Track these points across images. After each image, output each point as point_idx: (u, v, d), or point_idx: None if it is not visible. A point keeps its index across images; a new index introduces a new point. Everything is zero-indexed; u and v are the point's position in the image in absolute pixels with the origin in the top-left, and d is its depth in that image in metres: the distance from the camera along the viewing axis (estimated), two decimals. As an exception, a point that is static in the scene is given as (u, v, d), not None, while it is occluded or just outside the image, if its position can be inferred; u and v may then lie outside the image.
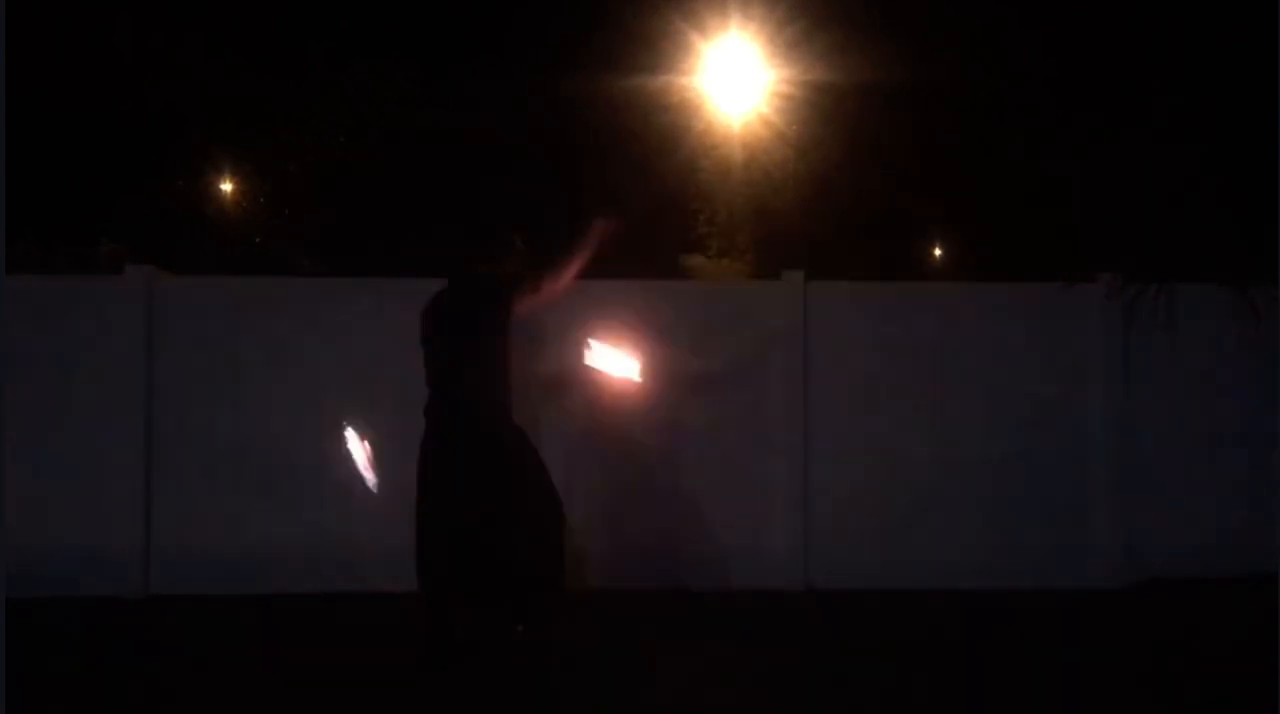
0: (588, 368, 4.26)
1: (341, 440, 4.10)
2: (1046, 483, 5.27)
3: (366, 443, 4.10)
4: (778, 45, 8.59)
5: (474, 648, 3.96)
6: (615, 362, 4.17)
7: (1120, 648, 4.27)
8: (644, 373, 4.36)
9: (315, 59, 10.13)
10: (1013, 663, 4.02)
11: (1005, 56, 6.47)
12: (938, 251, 12.78)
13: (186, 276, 5.41)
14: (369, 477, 4.09)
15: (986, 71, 6.63)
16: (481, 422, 3.75)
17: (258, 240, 11.70)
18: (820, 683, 3.77)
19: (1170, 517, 5.26)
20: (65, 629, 4.39)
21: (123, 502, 4.99)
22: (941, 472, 5.25)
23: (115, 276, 5.24)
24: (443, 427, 3.77)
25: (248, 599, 4.88)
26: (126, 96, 9.41)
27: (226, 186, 12.03)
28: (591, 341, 4.18)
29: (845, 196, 8.92)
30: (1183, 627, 4.54)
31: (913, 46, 7.45)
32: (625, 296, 5.24)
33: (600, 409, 5.09)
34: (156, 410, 5.04)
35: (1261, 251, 5.13)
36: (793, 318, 5.25)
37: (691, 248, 12.10)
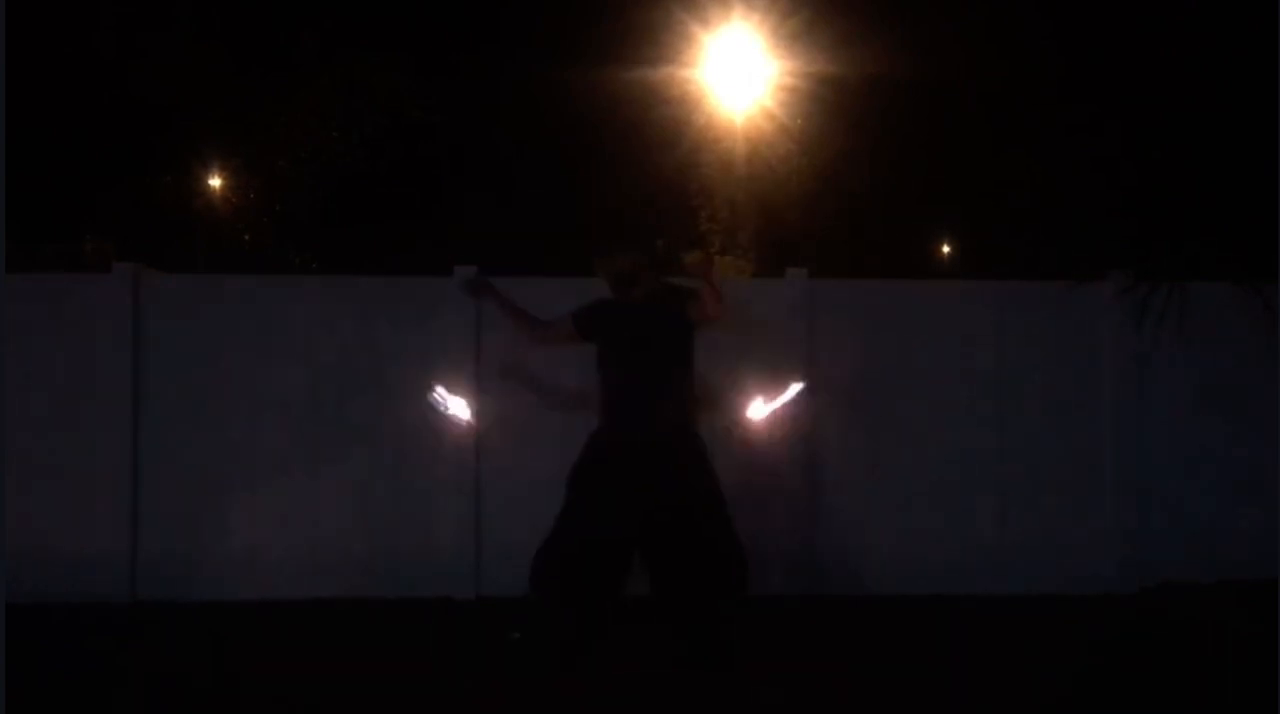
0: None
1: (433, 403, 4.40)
2: (1055, 484, 5.17)
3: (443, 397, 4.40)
4: (781, 37, 8.46)
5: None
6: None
7: (1127, 653, 4.21)
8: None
9: (305, 51, 10.01)
10: (1019, 668, 3.96)
11: (1011, 49, 6.37)
12: (945, 248, 12.69)
13: (174, 275, 5.31)
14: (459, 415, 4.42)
15: (992, 64, 6.53)
16: (671, 435, 3.86)
17: (247, 237, 11.62)
18: (832, 694, 3.66)
19: (1182, 518, 5.16)
20: (50, 635, 4.29)
21: (109, 504, 4.88)
22: (949, 473, 5.14)
23: (101, 275, 5.13)
24: (629, 437, 3.85)
25: (238, 605, 4.79)
26: (110, 88, 9.30)
27: (215, 182, 11.93)
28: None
29: (850, 192, 8.81)
30: (1191, 631, 4.45)
31: (918, 38, 7.34)
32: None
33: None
34: (144, 412, 4.93)
35: (1274, 250, 5.02)
36: (796, 317, 5.13)
37: (693, 245, 11.99)
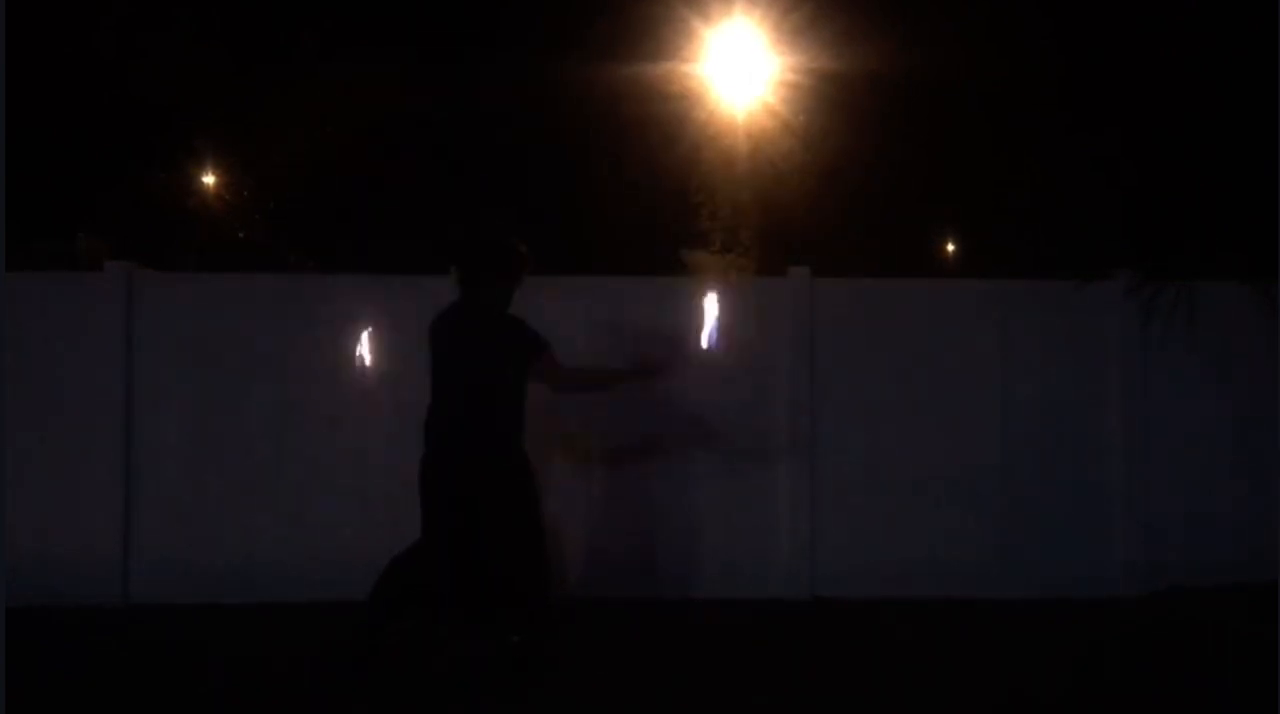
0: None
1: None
2: (1062, 486, 5.12)
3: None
4: (783, 31, 8.38)
5: (473, 662, 3.86)
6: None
7: (1131, 656, 4.17)
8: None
9: (302, 45, 9.93)
10: (1026, 674, 3.91)
11: (1012, 48, 6.32)
12: (950, 247, 12.62)
13: (168, 273, 5.26)
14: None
15: (994, 63, 6.47)
16: (483, 449, 3.74)
17: (241, 235, 11.57)
18: (833, 699, 3.62)
19: (1192, 520, 5.10)
20: (42, 639, 4.25)
21: (102, 507, 4.83)
22: (953, 475, 5.08)
23: (94, 274, 5.08)
24: (446, 449, 3.79)
25: (233, 608, 4.74)
26: (106, 85, 9.24)
27: (209, 179, 11.88)
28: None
29: (853, 190, 8.73)
30: (1197, 634, 4.42)
31: (920, 35, 7.27)
32: (625, 294, 5.09)
33: (598, 409, 4.96)
34: (136, 413, 4.88)
35: (1274, 249, 4.96)
36: (799, 316, 5.07)
37: (693, 243, 11.91)
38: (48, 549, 4.76)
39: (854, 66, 7.91)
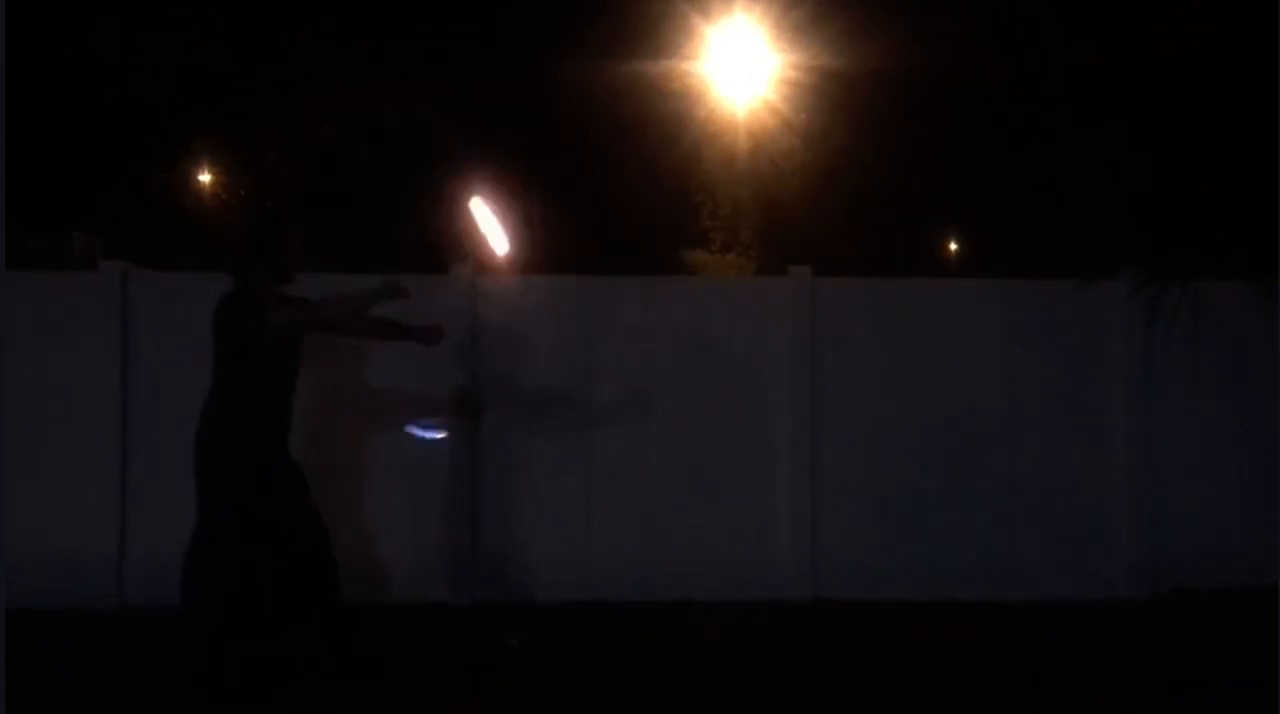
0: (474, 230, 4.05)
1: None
2: (1066, 487, 5.08)
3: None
4: (785, 29, 8.34)
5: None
6: (493, 231, 4.04)
7: (1138, 659, 4.14)
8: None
9: (302, 45, 9.93)
10: (1029, 675, 3.88)
11: (1013, 46, 6.29)
12: (952, 246, 12.59)
13: (163, 273, 5.22)
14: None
15: (994, 61, 6.44)
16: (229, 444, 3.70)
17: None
18: (834, 701, 3.59)
19: (1195, 521, 5.07)
20: (40, 640, 4.22)
21: (97, 509, 4.80)
22: (956, 476, 5.05)
23: (89, 273, 5.05)
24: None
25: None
26: (104, 84, 9.24)
27: (207, 178, 11.86)
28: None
29: (854, 189, 8.70)
30: (1203, 636, 4.39)
31: (921, 33, 7.24)
32: (624, 294, 5.06)
33: (599, 410, 4.92)
34: (132, 414, 4.85)
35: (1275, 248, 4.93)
36: (800, 316, 5.03)
37: (693, 242, 11.88)
38: (44, 550, 4.72)
39: (855, 65, 7.88)
